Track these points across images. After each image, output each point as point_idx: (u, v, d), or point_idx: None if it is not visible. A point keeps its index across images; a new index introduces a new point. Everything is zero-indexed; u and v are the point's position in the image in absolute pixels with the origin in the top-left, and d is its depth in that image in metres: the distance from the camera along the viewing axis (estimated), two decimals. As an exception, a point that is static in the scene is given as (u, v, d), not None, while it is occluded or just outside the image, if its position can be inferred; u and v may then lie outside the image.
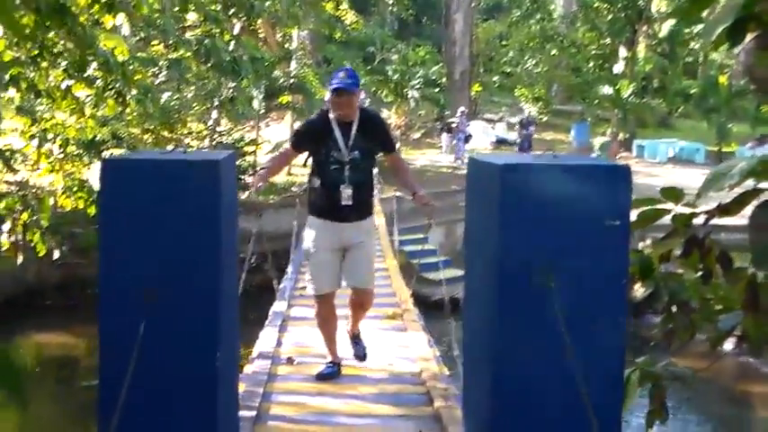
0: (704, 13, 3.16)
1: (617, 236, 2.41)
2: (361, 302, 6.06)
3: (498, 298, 2.47)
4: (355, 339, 6.29)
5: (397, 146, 6.78)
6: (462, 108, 28.82)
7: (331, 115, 5.82)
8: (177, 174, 2.47)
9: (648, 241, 8.04)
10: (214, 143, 21.49)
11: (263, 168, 6.06)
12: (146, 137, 19.38)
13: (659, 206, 3.03)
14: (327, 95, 6.01)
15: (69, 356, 14.27)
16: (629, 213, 2.45)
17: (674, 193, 3.00)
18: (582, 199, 2.38)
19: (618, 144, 28.89)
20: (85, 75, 6.75)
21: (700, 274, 3.01)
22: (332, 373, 6.03)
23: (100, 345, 2.50)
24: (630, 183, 2.46)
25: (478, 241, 2.65)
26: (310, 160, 5.93)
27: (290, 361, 6.47)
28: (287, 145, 6.31)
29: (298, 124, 23.69)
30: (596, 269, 2.51)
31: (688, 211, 2.96)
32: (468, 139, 28.06)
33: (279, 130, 27.87)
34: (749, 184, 2.77)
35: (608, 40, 34.90)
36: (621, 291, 2.57)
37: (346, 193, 5.71)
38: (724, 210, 2.80)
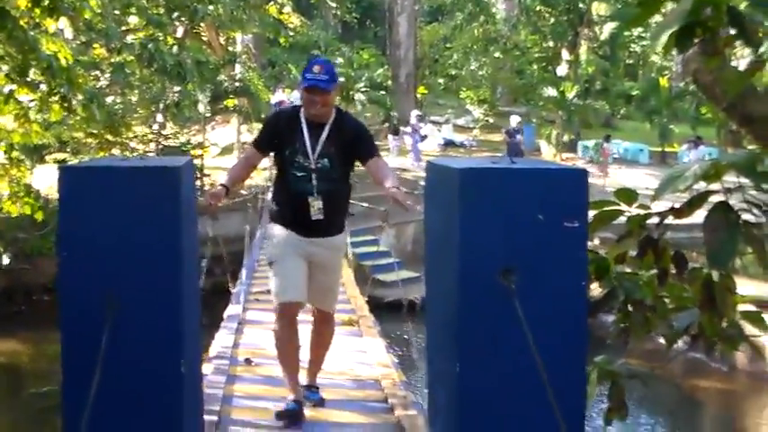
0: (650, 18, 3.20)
1: (575, 237, 2.44)
2: (322, 329, 5.43)
3: (460, 301, 2.48)
4: (311, 389, 5.48)
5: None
6: (417, 111, 28.97)
7: (303, 115, 5.12)
8: (137, 181, 2.44)
9: (596, 241, 8.12)
10: (160, 147, 21.29)
11: (221, 185, 4.99)
12: (90, 141, 19.13)
13: (614, 208, 3.07)
14: (298, 91, 5.44)
15: (14, 363, 14.04)
16: (586, 215, 2.48)
17: (627, 195, 3.03)
18: (540, 202, 2.41)
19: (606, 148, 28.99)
20: (29, 79, 6.62)
21: (655, 273, 3.06)
22: (293, 413, 5.02)
23: (62, 353, 2.46)
24: (586, 186, 2.50)
25: (438, 245, 2.65)
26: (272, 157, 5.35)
27: (247, 362, 6.43)
28: (249, 148, 5.54)
29: (246, 126, 23.36)
30: (556, 271, 2.53)
31: (642, 212, 3.00)
32: (423, 139, 28.39)
33: (225, 134, 27.71)
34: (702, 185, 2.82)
35: (551, 43, 35.25)
36: (581, 291, 2.60)
37: (316, 205, 5.02)
38: (678, 212, 2.84)
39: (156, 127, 21.68)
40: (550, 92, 31.77)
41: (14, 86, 6.70)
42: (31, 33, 6.50)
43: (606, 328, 3.09)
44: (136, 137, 21.62)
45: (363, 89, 29.79)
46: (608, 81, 35.28)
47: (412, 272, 15.98)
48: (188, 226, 2.61)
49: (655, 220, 3.00)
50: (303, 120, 5.10)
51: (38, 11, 6.69)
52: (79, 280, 2.41)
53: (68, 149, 18.77)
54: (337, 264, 5.49)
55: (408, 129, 28.60)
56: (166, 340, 2.49)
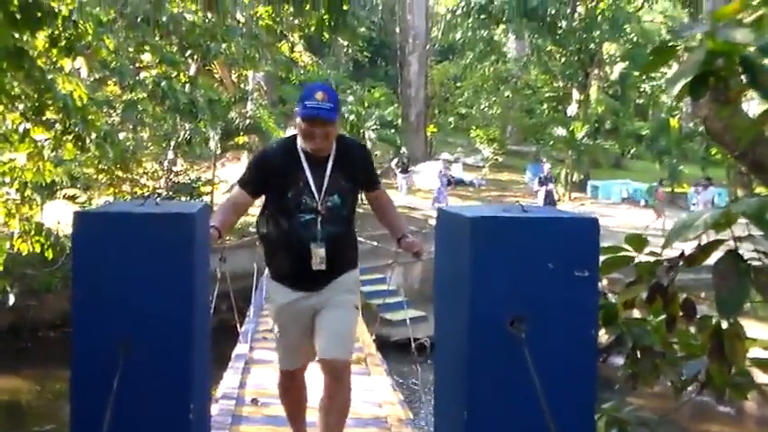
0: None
1: (585, 286, 2.45)
2: (334, 391, 4.35)
3: (469, 349, 2.49)
4: None
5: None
6: (447, 156, 29.04)
7: (300, 146, 4.35)
8: (151, 227, 2.46)
9: (604, 281, 8.11)
10: (170, 184, 21.42)
11: (212, 226, 4.08)
12: (101, 177, 19.26)
13: (624, 254, 3.08)
14: (296, 120, 4.39)
15: (18, 401, 14.01)
16: (597, 264, 2.49)
17: (638, 242, 3.04)
18: (551, 251, 2.42)
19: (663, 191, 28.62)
20: (44, 118, 6.70)
21: (664, 319, 3.06)
22: None
23: (72, 396, 2.47)
24: (598, 234, 2.51)
25: (448, 292, 2.67)
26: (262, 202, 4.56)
27: (254, 402, 6.42)
28: (236, 189, 4.57)
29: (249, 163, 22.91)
30: (566, 319, 2.54)
31: (652, 259, 3.02)
32: (450, 183, 28.58)
33: (235, 170, 27.84)
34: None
35: (561, 83, 35.41)
36: (591, 340, 2.60)
37: (318, 255, 4.28)
38: (689, 259, 2.85)
39: (166, 163, 21.83)
40: (560, 131, 31.88)
41: (30, 125, 6.79)
42: (48, 74, 6.59)
43: (614, 368, 3.09)
44: (146, 173, 21.78)
45: (374, 127, 29.92)
46: (618, 120, 35.39)
47: (419, 311, 16.00)
48: (201, 273, 2.63)
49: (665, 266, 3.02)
50: (301, 153, 4.35)
51: (55, 51, 6.78)
52: (92, 324, 2.43)
53: (79, 185, 18.90)
54: (349, 302, 4.53)
55: (437, 172, 28.60)
56: (176, 386, 2.50)
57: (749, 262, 2.67)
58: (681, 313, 3.00)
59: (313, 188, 4.30)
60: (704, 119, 3.89)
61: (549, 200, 25.11)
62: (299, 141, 4.37)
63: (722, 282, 2.62)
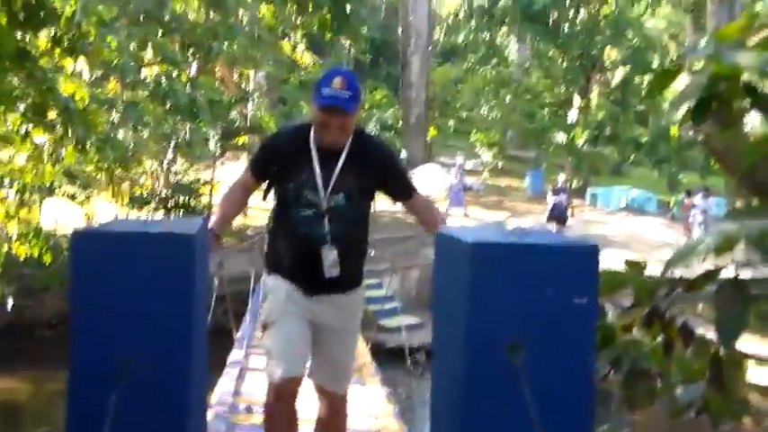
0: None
1: (584, 314, 2.45)
2: (332, 417, 4.10)
3: (465, 374, 2.48)
4: None
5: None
6: (460, 159, 28.84)
7: (312, 136, 3.94)
8: (149, 248, 2.46)
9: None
10: (169, 183, 21.42)
11: (209, 229, 3.79)
12: (99, 175, 19.23)
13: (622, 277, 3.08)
14: (313, 108, 3.95)
15: (13, 402, 13.97)
16: (596, 291, 2.49)
17: (637, 266, 3.04)
18: (550, 277, 2.42)
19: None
20: (45, 119, 6.69)
21: (661, 343, 3.05)
22: None
23: (68, 418, 2.46)
24: (597, 261, 2.51)
25: (446, 315, 2.66)
26: (271, 193, 4.13)
27: (248, 410, 6.40)
28: (243, 173, 4.27)
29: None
30: (564, 346, 2.53)
31: (651, 281, 3.01)
32: (466, 189, 28.09)
33: (234, 170, 27.82)
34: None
35: (562, 88, 35.41)
36: (588, 366, 2.59)
37: (330, 258, 3.85)
38: (689, 285, 2.84)
39: (166, 163, 21.83)
40: (560, 137, 31.85)
41: (30, 126, 6.78)
42: (50, 74, 6.58)
43: (615, 383, 3.09)
44: (145, 172, 21.77)
45: (374, 130, 29.93)
46: (618, 127, 35.40)
47: (415, 317, 15.93)
48: (200, 293, 2.63)
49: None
50: (313, 145, 3.94)
51: (57, 51, 6.76)
52: (89, 344, 2.42)
53: (78, 183, 18.86)
54: (353, 328, 4.16)
55: (452, 172, 28.29)
56: (174, 408, 2.49)
57: (750, 289, 2.66)
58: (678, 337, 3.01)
59: (318, 183, 3.88)
60: (705, 137, 3.88)
61: (558, 212, 23.27)
62: (312, 133, 3.96)
63: (722, 310, 2.61)
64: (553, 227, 21.72)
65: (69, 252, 2.37)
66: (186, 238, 2.43)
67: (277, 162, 3.99)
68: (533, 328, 2.46)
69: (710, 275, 2.80)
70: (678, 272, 2.85)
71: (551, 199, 23.85)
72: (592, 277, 2.47)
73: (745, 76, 2.76)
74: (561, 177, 26.08)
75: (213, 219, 4.11)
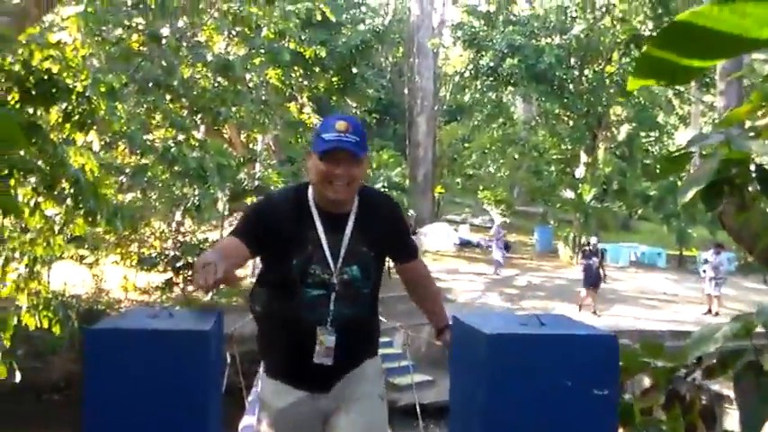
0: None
1: (605, 405, 2.41)
2: None
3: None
4: None
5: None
6: (499, 220, 28.93)
7: (311, 198, 3.29)
8: (162, 344, 2.44)
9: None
10: (177, 244, 21.44)
11: (211, 256, 2.89)
12: (108, 236, 19.28)
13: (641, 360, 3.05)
14: (309, 163, 3.28)
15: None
16: (617, 383, 2.46)
17: (654, 349, 3.01)
18: (569, 368, 2.39)
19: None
20: (55, 192, 6.74)
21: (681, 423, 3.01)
22: None
23: None
24: (617, 352, 2.48)
25: (464, 403, 2.63)
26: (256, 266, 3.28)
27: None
28: (228, 238, 3.25)
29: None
30: (584, 438, 2.49)
31: (669, 365, 2.98)
32: (507, 248, 27.99)
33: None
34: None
35: (569, 146, 35.57)
36: (609, 458, 2.55)
37: (325, 342, 3.21)
38: (708, 371, 2.81)
39: (174, 224, 21.92)
40: (568, 194, 31.93)
41: (41, 199, 6.83)
42: (61, 147, 6.64)
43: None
44: (153, 234, 21.83)
45: (381, 189, 30.00)
46: (625, 181, 35.46)
47: (426, 375, 15.85)
48: (214, 388, 2.61)
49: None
50: (314, 208, 3.27)
51: (68, 126, 6.84)
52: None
53: (86, 246, 18.90)
54: (374, 393, 3.43)
55: (492, 236, 28.26)
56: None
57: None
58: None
59: (327, 254, 3.22)
60: (720, 214, 3.87)
61: (593, 279, 21.14)
62: (311, 193, 3.30)
63: (743, 398, 2.58)
64: (590, 299, 20.81)
65: (83, 350, 2.35)
66: (200, 335, 2.41)
67: (272, 232, 3.18)
68: (553, 420, 2.42)
69: (729, 360, 2.77)
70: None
71: (582, 263, 22.16)
72: (612, 368, 2.44)
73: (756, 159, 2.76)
74: (594, 240, 23.57)
75: (211, 253, 3.03)
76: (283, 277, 3.22)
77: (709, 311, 21.14)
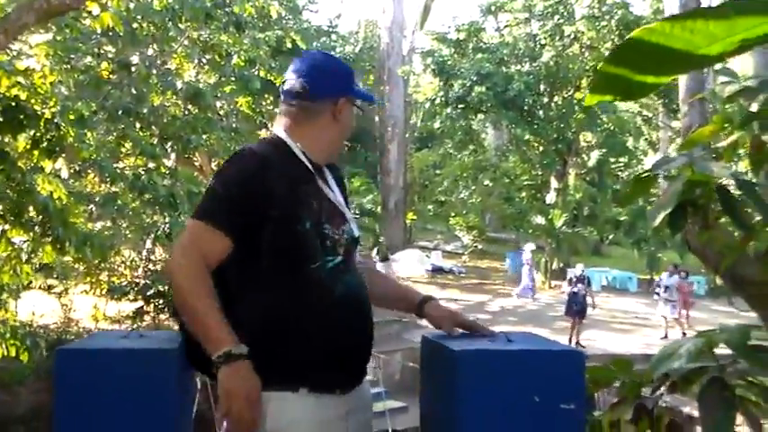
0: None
1: (571, 419, 2.44)
2: None
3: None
4: None
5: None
6: (531, 245, 28.94)
7: (299, 150, 2.66)
8: (132, 363, 2.45)
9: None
10: (148, 272, 21.28)
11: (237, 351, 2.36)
12: (78, 265, 19.09)
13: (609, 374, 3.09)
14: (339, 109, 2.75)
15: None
16: (583, 397, 2.49)
17: (623, 365, 3.06)
18: (536, 384, 2.42)
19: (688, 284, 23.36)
20: (23, 220, 6.70)
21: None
22: None
23: None
24: (583, 367, 2.52)
25: (434, 421, 2.65)
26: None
27: None
28: (199, 231, 2.56)
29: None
30: (552, 453, 2.52)
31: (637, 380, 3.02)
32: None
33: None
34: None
35: (539, 171, 35.79)
36: (576, 473, 2.57)
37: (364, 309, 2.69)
38: (673, 386, 2.86)
39: (144, 253, 21.74)
40: (539, 220, 32.10)
41: (8, 226, 6.78)
42: (29, 175, 6.62)
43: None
44: (124, 262, 21.65)
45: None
46: (596, 206, 35.71)
47: (399, 401, 15.79)
48: (186, 405, 2.63)
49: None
50: (308, 163, 2.66)
51: (36, 153, 6.82)
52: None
53: (55, 275, 18.70)
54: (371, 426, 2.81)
55: (524, 262, 28.35)
56: None
57: (734, 388, 2.67)
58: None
59: (342, 208, 2.75)
60: (685, 234, 3.94)
61: (578, 306, 20.44)
62: (299, 145, 2.68)
63: (707, 412, 2.61)
64: (574, 324, 20.29)
65: (53, 370, 2.36)
66: (167, 353, 2.43)
67: (273, 199, 2.51)
68: (520, 435, 2.45)
69: (694, 375, 2.81)
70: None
71: (567, 289, 21.36)
72: (578, 383, 2.48)
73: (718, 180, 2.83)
74: (579, 267, 22.16)
75: (221, 326, 2.42)
76: (288, 249, 2.53)
77: (666, 336, 20.57)
